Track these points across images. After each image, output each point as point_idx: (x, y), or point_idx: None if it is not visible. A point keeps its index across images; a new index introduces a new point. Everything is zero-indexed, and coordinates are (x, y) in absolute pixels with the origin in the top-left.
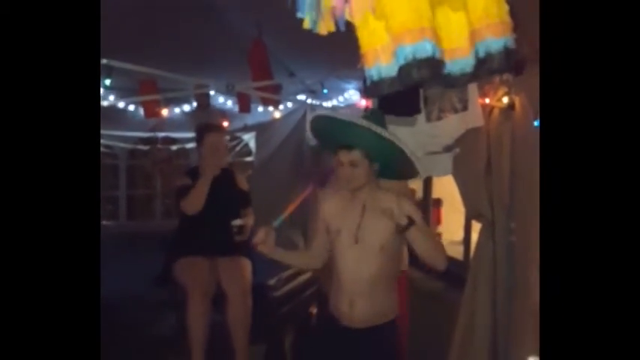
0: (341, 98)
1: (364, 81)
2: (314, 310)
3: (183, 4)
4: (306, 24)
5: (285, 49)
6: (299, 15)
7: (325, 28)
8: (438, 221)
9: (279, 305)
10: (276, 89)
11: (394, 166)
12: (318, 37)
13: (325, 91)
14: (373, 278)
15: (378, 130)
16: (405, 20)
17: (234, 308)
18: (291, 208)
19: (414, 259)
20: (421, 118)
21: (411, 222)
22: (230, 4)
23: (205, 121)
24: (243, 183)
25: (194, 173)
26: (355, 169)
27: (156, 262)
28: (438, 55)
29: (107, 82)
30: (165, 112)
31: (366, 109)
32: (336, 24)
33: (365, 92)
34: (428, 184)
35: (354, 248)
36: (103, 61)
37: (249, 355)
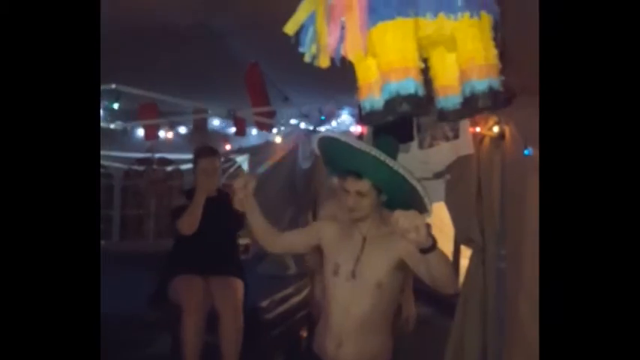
0: (334, 123)
1: (359, 109)
2: (304, 334)
3: (182, 28)
4: (307, 58)
5: (282, 74)
6: (301, 49)
7: (323, 62)
8: None
9: (271, 328)
10: (271, 114)
11: (403, 199)
12: (313, 64)
13: (323, 117)
14: (366, 318)
15: (394, 164)
16: (391, 60)
17: (226, 328)
18: (275, 158)
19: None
20: (414, 145)
21: (435, 243)
22: (228, 29)
23: (201, 145)
24: (238, 204)
25: (191, 194)
26: (362, 200)
27: (149, 281)
28: (420, 93)
29: (115, 105)
30: (170, 134)
31: (361, 135)
32: (333, 59)
33: (359, 121)
34: None
35: (349, 284)
36: (112, 85)
37: None
